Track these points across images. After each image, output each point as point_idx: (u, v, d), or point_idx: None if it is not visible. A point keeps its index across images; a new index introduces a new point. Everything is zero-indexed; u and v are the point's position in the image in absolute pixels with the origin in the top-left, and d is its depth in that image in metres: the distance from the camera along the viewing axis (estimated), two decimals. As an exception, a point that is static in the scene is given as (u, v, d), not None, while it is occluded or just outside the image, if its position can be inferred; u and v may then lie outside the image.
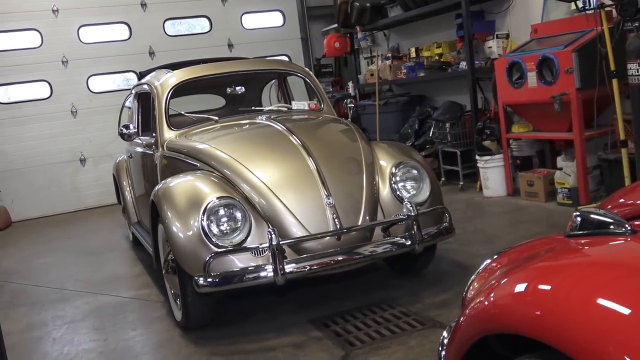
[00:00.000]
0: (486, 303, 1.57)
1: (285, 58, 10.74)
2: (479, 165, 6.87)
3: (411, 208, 3.76)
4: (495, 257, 1.95)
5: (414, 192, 4.05)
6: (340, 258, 3.61)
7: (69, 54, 9.45)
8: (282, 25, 10.85)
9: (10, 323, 4.55)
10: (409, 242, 3.75)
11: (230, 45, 10.36)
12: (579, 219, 1.58)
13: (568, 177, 5.84)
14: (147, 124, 5.32)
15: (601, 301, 1.26)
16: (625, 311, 1.21)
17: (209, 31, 10.34)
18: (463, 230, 5.53)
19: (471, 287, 1.99)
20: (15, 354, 3.94)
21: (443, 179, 7.71)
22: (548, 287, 1.40)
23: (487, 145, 6.72)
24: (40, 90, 9.42)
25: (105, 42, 9.69)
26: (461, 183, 7.34)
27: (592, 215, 1.54)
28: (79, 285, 5.36)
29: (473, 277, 2.03)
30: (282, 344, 3.55)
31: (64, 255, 6.65)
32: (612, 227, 1.49)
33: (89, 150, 9.56)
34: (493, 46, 7.13)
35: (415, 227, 3.73)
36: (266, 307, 4.15)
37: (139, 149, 5.35)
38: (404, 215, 3.80)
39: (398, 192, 3.99)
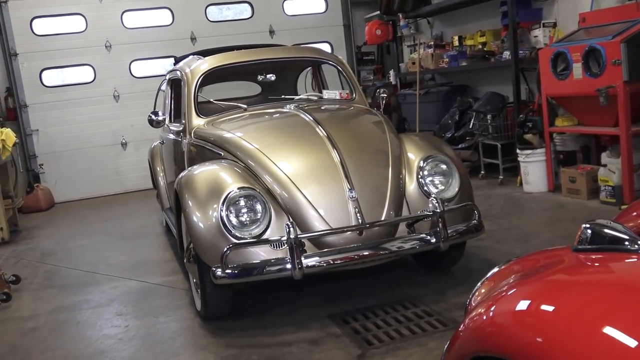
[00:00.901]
0: (484, 318, 1.45)
1: (326, 45, 10.65)
2: (519, 159, 6.62)
3: (437, 204, 3.62)
4: (507, 264, 1.82)
5: (442, 187, 3.91)
6: (363, 253, 3.51)
7: (113, 39, 9.56)
8: (324, 12, 10.71)
9: (40, 304, 4.63)
10: (433, 240, 3.61)
11: (271, 32, 10.29)
12: (589, 231, 1.43)
13: (612, 174, 5.56)
14: (179, 110, 5.31)
15: (608, 330, 1.11)
16: (633, 344, 1.06)
17: (250, 17, 10.29)
18: (498, 227, 5.35)
19: (477, 293, 1.87)
20: (39, 335, 4.01)
21: (482, 172, 7.48)
22: (551, 309, 1.26)
23: (528, 139, 6.47)
24: (84, 74, 9.58)
25: (147, 27, 9.77)
26: (501, 177, 7.10)
27: (605, 230, 1.39)
28: (110, 269, 5.42)
29: (480, 283, 1.91)
30: (299, 339, 3.48)
31: (100, 238, 6.75)
32: (626, 243, 1.34)
33: (130, 135, 9.68)
34: (539, 35, 6.85)
35: (440, 224, 3.59)
36: (287, 300, 4.09)
37: (171, 136, 5.35)
38: (429, 212, 3.67)
39: (425, 187, 3.85)
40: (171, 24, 9.89)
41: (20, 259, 6.11)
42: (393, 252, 3.57)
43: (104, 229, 7.24)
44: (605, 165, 5.70)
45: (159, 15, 9.84)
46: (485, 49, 7.71)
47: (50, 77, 9.49)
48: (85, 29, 9.48)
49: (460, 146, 7.79)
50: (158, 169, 6.28)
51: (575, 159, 6.40)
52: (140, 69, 9.79)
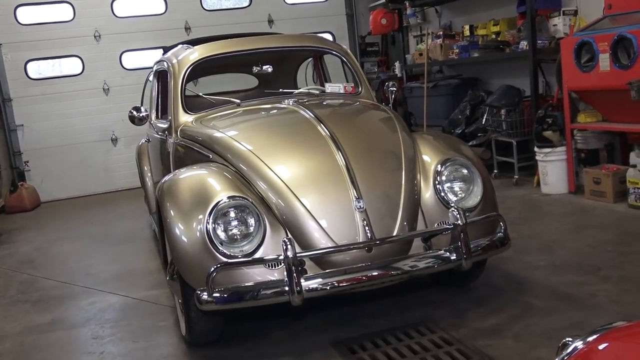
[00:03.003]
0: None
1: (328, 35, 10.12)
2: (537, 158, 6.11)
3: (458, 215, 3.12)
4: (587, 340, 1.29)
5: (463, 195, 3.40)
6: (373, 274, 3.02)
7: (102, 29, 9.04)
8: (326, 0, 10.16)
9: (8, 323, 4.14)
10: (454, 257, 3.11)
11: (270, 21, 9.76)
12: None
13: (643, 176, 5.06)
14: (166, 105, 4.80)
15: None
16: None
17: (248, 5, 9.77)
18: (518, 234, 4.84)
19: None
20: (1, 364, 3.52)
21: (496, 171, 6.98)
22: None
23: (548, 136, 5.95)
24: (72, 65, 9.07)
25: (139, 17, 9.25)
26: (516, 177, 6.59)
27: None
28: (90, 280, 4.93)
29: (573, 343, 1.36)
30: (298, 374, 2.99)
31: (84, 243, 6.26)
32: None
33: (121, 130, 9.16)
34: (559, 24, 6.32)
35: (462, 239, 3.09)
36: (286, 323, 3.58)
37: (157, 134, 4.84)
38: (449, 224, 3.17)
39: (443, 195, 3.35)
40: (164, 12, 9.37)
41: (-5, 267, 5.63)
42: (407, 272, 3.06)
43: (89, 232, 6.74)
44: (635, 166, 5.19)
45: (151, 4, 9.33)
46: (499, 39, 7.18)
47: (36, 69, 8.97)
48: (73, 18, 8.96)
49: (471, 143, 7.26)
50: (145, 168, 5.79)
51: (598, 157, 5.89)
52: (132, 60, 9.27)
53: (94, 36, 9.02)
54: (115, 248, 5.85)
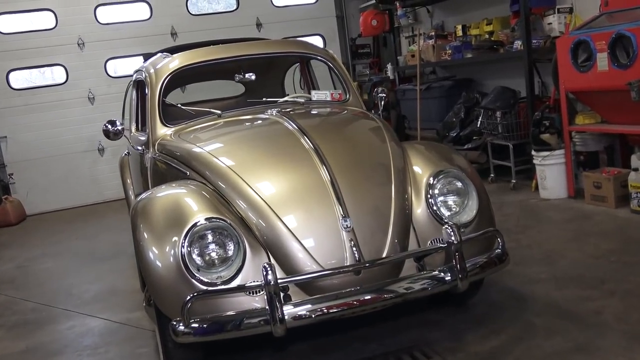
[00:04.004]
0: None
1: (318, 38, 9.92)
2: (535, 161, 5.91)
3: (452, 233, 2.90)
4: None
5: (457, 209, 3.19)
6: (364, 298, 2.80)
7: (86, 36, 8.83)
8: (315, 2, 9.96)
9: (-20, 352, 3.92)
10: (449, 277, 2.89)
11: (258, 25, 9.56)
12: None
13: (646, 179, 4.86)
14: (145, 117, 4.57)
15: None
16: None
17: (235, 9, 9.55)
18: (517, 244, 4.64)
19: None
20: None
21: (492, 175, 6.77)
22: None
23: (545, 139, 5.75)
24: (55, 75, 8.85)
25: (124, 23, 9.04)
26: (513, 181, 6.39)
27: None
28: (70, 301, 4.71)
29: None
30: (283, 409, 2.77)
31: (67, 260, 6.05)
32: None
33: (108, 140, 8.87)
34: (553, 22, 6.11)
35: (457, 258, 2.87)
36: (272, 350, 3.36)
37: (136, 147, 4.62)
38: (443, 242, 2.96)
39: (436, 210, 3.13)
40: (149, 18, 9.16)
41: (-27, 288, 5.40)
42: (400, 295, 2.85)
43: (73, 247, 6.52)
44: (636, 169, 4.99)
45: (136, 10, 9.11)
46: (492, 38, 6.98)
47: (19, 79, 8.74)
48: (56, 26, 8.74)
49: (466, 147, 7.08)
50: (128, 181, 5.56)
51: (598, 160, 5.69)
52: (117, 68, 9.06)
53: (78, 44, 8.80)
54: (99, 265, 5.63)
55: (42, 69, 8.82)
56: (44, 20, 8.68)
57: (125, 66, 9.05)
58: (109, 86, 8.90)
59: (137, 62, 8.67)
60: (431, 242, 3.05)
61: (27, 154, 8.69)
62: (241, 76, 4.30)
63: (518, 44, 6.36)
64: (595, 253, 4.25)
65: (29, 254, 6.49)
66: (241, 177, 3.07)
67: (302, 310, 2.72)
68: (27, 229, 8.00)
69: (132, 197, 5.47)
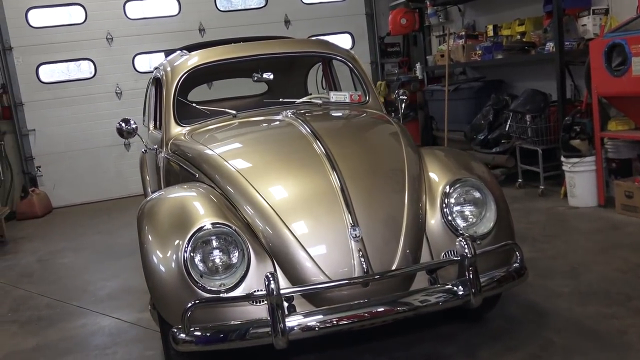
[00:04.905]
0: None
1: (347, 36, 9.80)
2: (564, 168, 5.70)
3: (465, 246, 2.76)
4: None
5: (474, 220, 3.05)
6: (376, 310, 2.68)
7: (114, 31, 8.86)
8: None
9: (-8, 348, 3.92)
10: (462, 292, 2.76)
11: (287, 22, 9.47)
12: None
13: (681, 191, 4.62)
14: (162, 115, 4.53)
15: None
16: None
17: (264, 6, 9.48)
18: (541, 254, 4.47)
19: None
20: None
21: (520, 180, 6.57)
22: None
23: (575, 145, 5.54)
24: (84, 69, 8.90)
25: (152, 18, 9.05)
26: (541, 187, 6.18)
27: None
28: (85, 298, 4.70)
29: None
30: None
31: (86, 255, 6.07)
32: None
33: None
34: (588, 24, 5.89)
35: (470, 273, 2.74)
36: (278, 356, 3.27)
37: (151, 145, 4.58)
38: (457, 255, 2.82)
39: (451, 220, 2.99)
40: (178, 14, 9.15)
41: (-7, 281, 5.45)
42: (412, 308, 2.72)
43: (94, 242, 6.54)
44: (671, 180, 4.76)
45: (164, 5, 9.12)
46: (524, 39, 6.76)
47: (48, 73, 8.81)
48: (85, 20, 8.80)
49: (494, 150, 6.90)
50: (147, 178, 5.53)
51: (631, 168, 5.46)
52: (145, 63, 9.08)
53: (106, 39, 8.84)
54: (116, 262, 5.62)
55: (72, 63, 8.86)
56: (74, 14, 8.75)
57: (155, 62, 9.05)
58: (136, 81, 8.91)
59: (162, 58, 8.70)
60: (445, 254, 2.92)
61: (55, 147, 8.77)
62: (259, 75, 4.21)
63: (550, 46, 6.15)
64: (623, 267, 4.05)
65: (50, 247, 6.54)
66: (249, 182, 2.99)
67: (307, 321, 2.62)
68: (51, 221, 8.07)
69: (150, 194, 5.44)
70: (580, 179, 5.58)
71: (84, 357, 3.64)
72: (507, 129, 6.65)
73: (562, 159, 5.69)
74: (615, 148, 5.47)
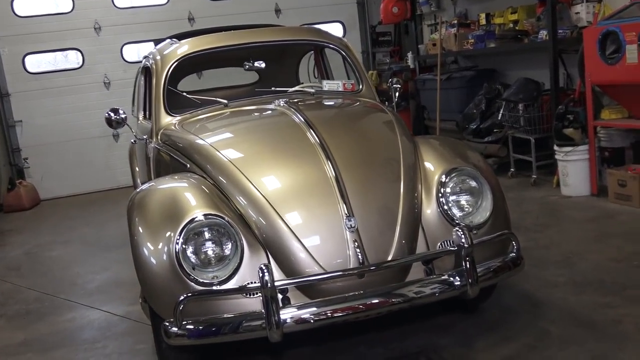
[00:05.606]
0: None
1: (338, 25, 9.72)
2: (557, 157, 5.68)
3: (462, 236, 2.72)
4: None
5: (470, 209, 3.00)
6: (371, 302, 2.63)
7: (102, 20, 8.74)
8: (335, -12, 9.75)
9: (-21, 342, 3.85)
10: (458, 282, 2.72)
11: (277, 11, 9.38)
12: None
13: (674, 179, 4.61)
14: (151, 105, 4.45)
15: None
16: None
17: (255, -6, 9.38)
18: (534, 244, 4.45)
19: None
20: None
21: (512, 169, 6.55)
22: None
23: (569, 134, 5.52)
24: (71, 59, 8.77)
25: (141, 7, 8.94)
26: (534, 176, 6.16)
27: None
28: (74, 292, 4.63)
29: None
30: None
31: (75, 247, 5.99)
32: None
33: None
34: (581, 12, 5.85)
35: (467, 263, 2.70)
36: (271, 351, 3.22)
37: (140, 135, 4.50)
38: (453, 245, 2.78)
39: (447, 210, 2.95)
40: (167, 2, 9.05)
41: (-20, 275, 5.36)
42: (408, 300, 2.68)
43: (83, 235, 6.46)
44: (664, 168, 4.75)
45: (153, -6, 8.98)
46: (517, 28, 6.72)
47: (35, 63, 8.68)
48: (72, 10, 8.66)
49: (486, 139, 6.87)
50: (137, 169, 5.45)
51: (624, 157, 5.44)
52: (133, 52, 8.95)
53: (94, 28, 8.71)
54: (105, 254, 5.55)
55: (59, 53, 8.73)
56: (61, 3, 8.61)
57: (143, 51, 8.92)
58: (124, 71, 8.79)
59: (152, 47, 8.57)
60: (441, 244, 2.88)
61: (42, 139, 8.66)
62: (250, 64, 4.14)
63: (543, 34, 6.11)
64: (617, 256, 4.04)
65: (38, 240, 6.45)
66: (242, 172, 2.93)
67: (302, 314, 2.57)
68: (39, 214, 7.97)
69: (140, 185, 5.37)
70: (573, 168, 5.56)
71: (74, 351, 3.58)
72: (499, 118, 6.62)
73: (555, 147, 5.67)
74: (608, 137, 5.46)
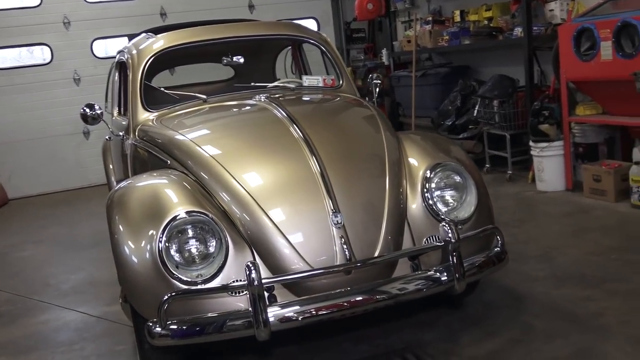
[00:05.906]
0: None
1: (312, 21, 9.67)
2: (532, 152, 5.74)
3: (449, 230, 2.72)
4: None
5: (455, 204, 3.00)
6: (355, 299, 2.61)
7: (72, 15, 8.54)
8: (310, -16, 9.71)
9: (-52, 348, 3.72)
10: (445, 278, 2.71)
11: (251, 7, 9.30)
12: None
13: (648, 174, 4.69)
14: (127, 101, 4.35)
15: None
16: None
17: (228, -10, 9.27)
18: (513, 239, 4.46)
19: None
20: None
21: (487, 165, 6.59)
22: None
23: (544, 130, 5.57)
24: (40, 54, 8.55)
25: (111, 2, 8.76)
26: (509, 172, 6.21)
27: None
28: (47, 292, 4.51)
29: None
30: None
31: (47, 247, 5.84)
32: None
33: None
34: (556, 9, 5.91)
35: (454, 258, 2.69)
36: (257, 349, 3.18)
37: (116, 132, 4.40)
38: (439, 240, 2.77)
39: (432, 205, 2.94)
40: (139, -3, 8.88)
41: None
42: (393, 296, 2.66)
43: (55, 234, 6.30)
44: (638, 163, 4.82)
45: (124, -12, 8.81)
46: (491, 25, 6.76)
47: (1, 59, 8.42)
48: (40, 4, 8.46)
49: (462, 136, 6.90)
50: (110, 167, 5.34)
51: (598, 153, 5.51)
52: (104, 48, 8.80)
53: (63, 23, 8.52)
54: (79, 253, 5.43)
55: (25, 49, 8.52)
56: (28, -3, 8.40)
57: (115, 47, 8.76)
58: (95, 67, 8.63)
59: (125, 42, 8.42)
60: (427, 239, 2.87)
61: (10, 136, 8.43)
62: (229, 59, 4.08)
63: (518, 31, 6.16)
64: (595, 250, 4.08)
65: (8, 240, 6.27)
66: (225, 168, 2.87)
67: (288, 312, 2.54)
68: (8, 213, 7.77)
69: (114, 183, 5.26)
70: (549, 164, 5.61)
71: (50, 353, 3.48)
72: (474, 115, 6.66)
73: (531, 143, 5.72)
74: (582, 132, 5.52)
